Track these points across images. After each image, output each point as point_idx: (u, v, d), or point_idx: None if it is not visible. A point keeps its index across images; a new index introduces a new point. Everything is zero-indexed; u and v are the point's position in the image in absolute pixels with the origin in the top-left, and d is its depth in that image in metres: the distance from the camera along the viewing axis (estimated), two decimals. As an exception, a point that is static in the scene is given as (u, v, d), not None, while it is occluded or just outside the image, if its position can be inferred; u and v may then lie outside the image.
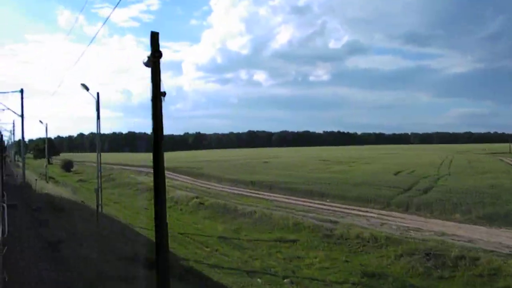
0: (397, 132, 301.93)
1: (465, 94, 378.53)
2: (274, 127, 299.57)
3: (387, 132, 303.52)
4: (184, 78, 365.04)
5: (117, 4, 9.79)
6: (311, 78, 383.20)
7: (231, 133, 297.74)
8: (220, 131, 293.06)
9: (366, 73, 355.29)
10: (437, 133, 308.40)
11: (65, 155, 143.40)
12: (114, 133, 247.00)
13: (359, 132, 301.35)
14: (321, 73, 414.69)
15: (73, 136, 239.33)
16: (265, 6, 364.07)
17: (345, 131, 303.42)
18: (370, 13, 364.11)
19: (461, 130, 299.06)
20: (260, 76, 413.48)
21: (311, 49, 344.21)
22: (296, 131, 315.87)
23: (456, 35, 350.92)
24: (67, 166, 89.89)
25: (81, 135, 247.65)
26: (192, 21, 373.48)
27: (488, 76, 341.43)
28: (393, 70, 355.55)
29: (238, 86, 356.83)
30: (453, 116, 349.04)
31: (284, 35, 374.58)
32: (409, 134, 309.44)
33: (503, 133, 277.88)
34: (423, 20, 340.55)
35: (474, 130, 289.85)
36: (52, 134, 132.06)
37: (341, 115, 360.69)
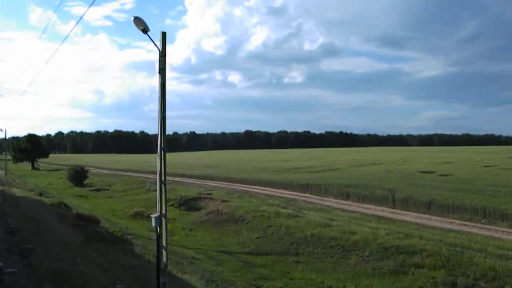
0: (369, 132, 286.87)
1: (437, 97, 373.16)
2: (255, 128, 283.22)
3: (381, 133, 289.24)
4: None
5: None
6: (286, 80, 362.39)
7: (227, 134, 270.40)
8: (197, 131, 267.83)
9: (340, 75, 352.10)
10: (436, 134, 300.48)
11: (55, 157, 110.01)
12: (98, 132, 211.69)
13: (355, 133, 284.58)
14: (295, 74, 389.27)
15: (50, 135, 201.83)
16: (241, 7, 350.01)
17: (348, 132, 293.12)
18: (346, 15, 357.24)
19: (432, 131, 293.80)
20: (234, 77, 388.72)
21: (286, 50, 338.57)
22: (295, 131, 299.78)
23: (431, 38, 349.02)
24: (79, 176, 57.05)
25: (60, 134, 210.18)
26: (167, 21, 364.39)
27: (460, 80, 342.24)
28: (367, 73, 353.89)
29: (213, 87, 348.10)
30: (425, 118, 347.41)
31: (260, 36, 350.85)
32: (404, 135, 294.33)
33: (501, 136, 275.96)
34: (399, 22, 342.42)
35: (446, 132, 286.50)
36: (24, 134, 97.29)
37: (315, 116, 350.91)
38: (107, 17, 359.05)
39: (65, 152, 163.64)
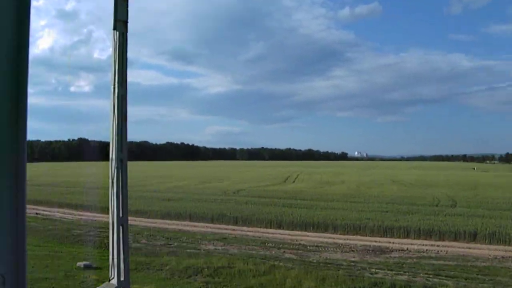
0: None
1: (222, 113, 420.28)
2: (34, 138, 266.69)
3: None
4: None
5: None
6: (73, 88, 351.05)
7: (53, 142, 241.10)
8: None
9: (129, 87, 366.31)
10: (289, 149, 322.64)
11: None
12: None
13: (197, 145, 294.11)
14: (83, 83, 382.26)
15: None
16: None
17: (190, 144, 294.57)
18: (138, 26, 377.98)
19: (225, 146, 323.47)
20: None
21: (74, 58, 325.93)
22: (133, 141, 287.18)
23: (220, 56, 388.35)
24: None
25: None
26: None
27: (243, 98, 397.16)
28: (156, 85, 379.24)
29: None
30: (211, 133, 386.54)
31: (47, 40, 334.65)
32: (227, 149, 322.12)
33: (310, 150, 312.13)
34: (190, 38, 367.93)
35: (229, 147, 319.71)
36: None
37: (102, 127, 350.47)
38: None
39: None
